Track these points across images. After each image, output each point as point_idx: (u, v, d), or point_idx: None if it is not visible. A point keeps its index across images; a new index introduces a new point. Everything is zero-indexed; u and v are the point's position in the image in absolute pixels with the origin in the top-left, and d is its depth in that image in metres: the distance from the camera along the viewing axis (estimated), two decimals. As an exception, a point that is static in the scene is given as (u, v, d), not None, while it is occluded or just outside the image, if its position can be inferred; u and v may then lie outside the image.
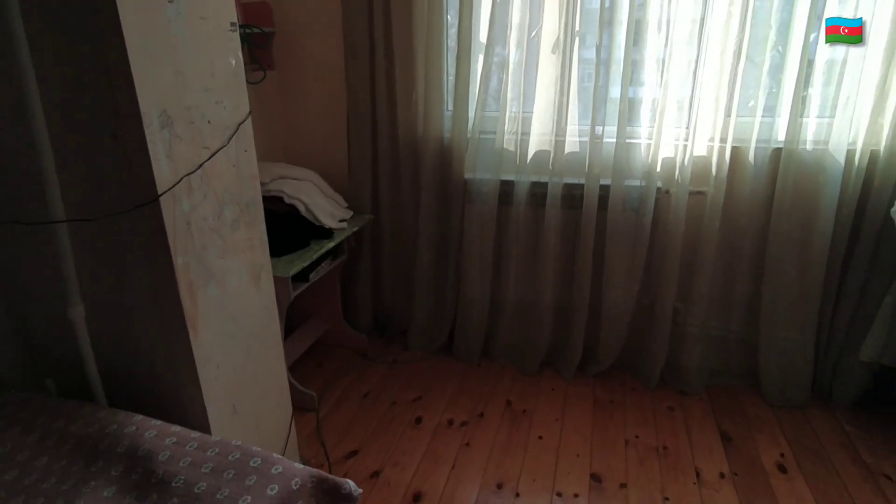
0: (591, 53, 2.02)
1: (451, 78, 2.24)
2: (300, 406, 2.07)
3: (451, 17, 2.20)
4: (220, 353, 1.35)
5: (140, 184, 1.13)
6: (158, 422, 1.19)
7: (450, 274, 2.41)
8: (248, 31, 2.13)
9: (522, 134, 2.17)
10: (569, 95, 2.06)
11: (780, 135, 1.94)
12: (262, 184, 1.68)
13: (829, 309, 2.07)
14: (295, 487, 1.04)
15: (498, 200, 2.24)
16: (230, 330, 1.39)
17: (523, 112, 2.15)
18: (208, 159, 1.26)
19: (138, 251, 1.20)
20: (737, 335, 2.23)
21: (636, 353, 2.29)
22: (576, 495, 1.72)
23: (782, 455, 1.88)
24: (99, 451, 1.11)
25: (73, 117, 1.13)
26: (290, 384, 1.80)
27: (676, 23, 1.89)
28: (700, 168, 2.04)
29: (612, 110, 2.04)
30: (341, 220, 2.23)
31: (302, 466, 1.09)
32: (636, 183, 2.08)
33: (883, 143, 1.86)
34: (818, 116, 1.93)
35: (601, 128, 2.06)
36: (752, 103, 1.95)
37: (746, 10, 1.81)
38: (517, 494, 1.72)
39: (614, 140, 2.04)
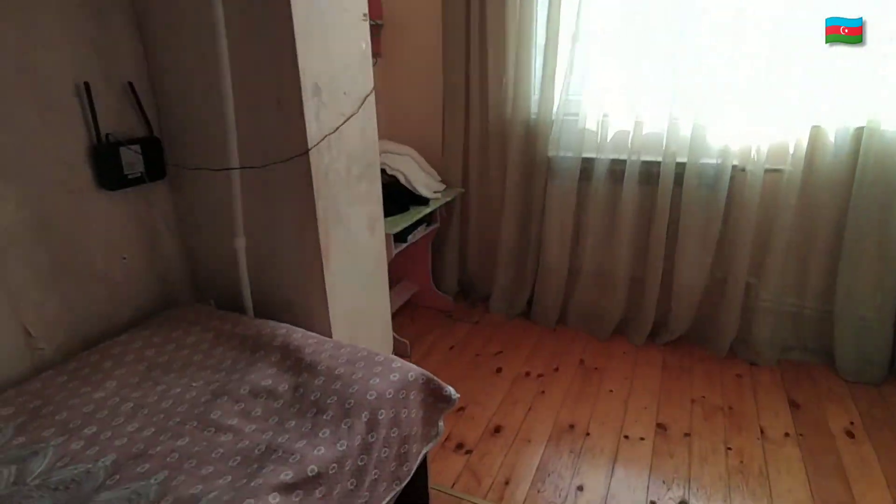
0: (671, 39, 2.15)
1: (539, 64, 2.44)
2: (395, 352, 2.37)
3: (541, 9, 2.40)
4: (343, 284, 1.66)
5: (295, 140, 1.44)
6: (301, 329, 1.50)
7: (531, 244, 2.63)
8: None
9: (604, 115, 2.34)
10: (649, 79, 2.21)
11: (862, 114, 1.99)
12: (376, 152, 1.97)
13: (908, 288, 2.09)
14: (410, 379, 1.31)
15: (579, 176, 2.43)
16: (351, 266, 1.69)
17: (605, 95, 2.32)
18: (343, 123, 1.56)
19: (290, 194, 1.52)
20: (811, 311, 2.29)
21: (707, 324, 2.40)
22: (642, 438, 1.89)
23: (851, 423, 1.95)
24: (259, 345, 1.43)
25: (248, 88, 1.46)
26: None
27: (754, 9, 1.99)
28: (777, 147, 2.12)
29: (690, 92, 2.16)
30: (435, 192, 2.51)
31: (416, 366, 1.36)
32: (712, 161, 2.20)
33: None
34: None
35: (679, 109, 2.19)
36: (830, 84, 2.01)
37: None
38: (587, 434, 1.92)
39: (692, 121, 2.17)
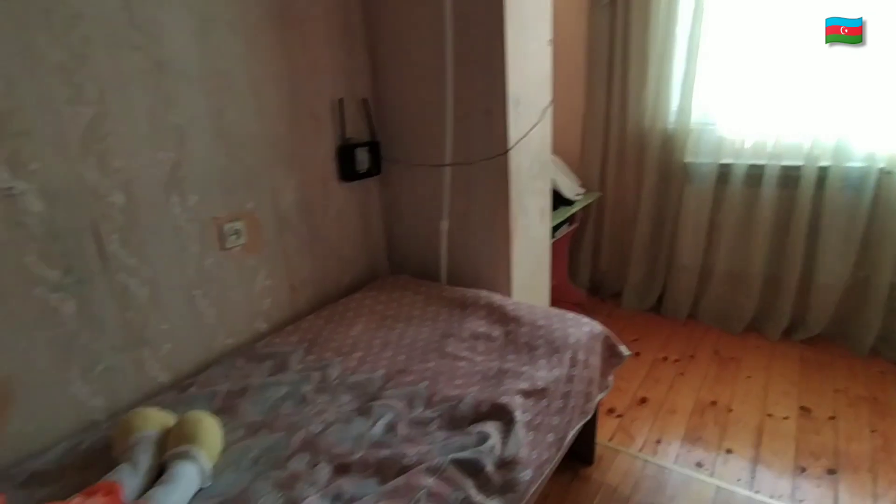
0: (811, 51, 2.30)
1: (678, 78, 2.67)
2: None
3: (682, 27, 2.64)
4: (521, 263, 1.99)
5: (498, 142, 1.81)
6: (496, 293, 1.85)
7: (664, 243, 2.84)
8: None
9: (742, 124, 2.53)
10: (789, 87, 2.37)
11: None
12: (540, 155, 2.30)
13: None
14: (595, 332, 1.61)
15: (715, 180, 2.62)
16: (527, 248, 2.02)
17: (744, 104, 2.51)
18: (531, 129, 1.90)
19: (488, 186, 1.88)
20: (962, 314, 2.32)
21: (848, 322, 2.48)
22: (785, 418, 2.05)
23: None
24: (466, 304, 1.79)
25: (461, 101, 1.84)
26: (544, 307, 2.40)
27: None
28: (926, 151, 2.21)
29: (832, 98, 2.30)
30: (577, 195, 2.80)
31: (598, 323, 1.65)
32: (856, 164, 2.32)
33: None
34: None
35: (820, 116, 2.33)
36: None
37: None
38: (730, 410, 2.11)
39: (835, 129, 2.30)
